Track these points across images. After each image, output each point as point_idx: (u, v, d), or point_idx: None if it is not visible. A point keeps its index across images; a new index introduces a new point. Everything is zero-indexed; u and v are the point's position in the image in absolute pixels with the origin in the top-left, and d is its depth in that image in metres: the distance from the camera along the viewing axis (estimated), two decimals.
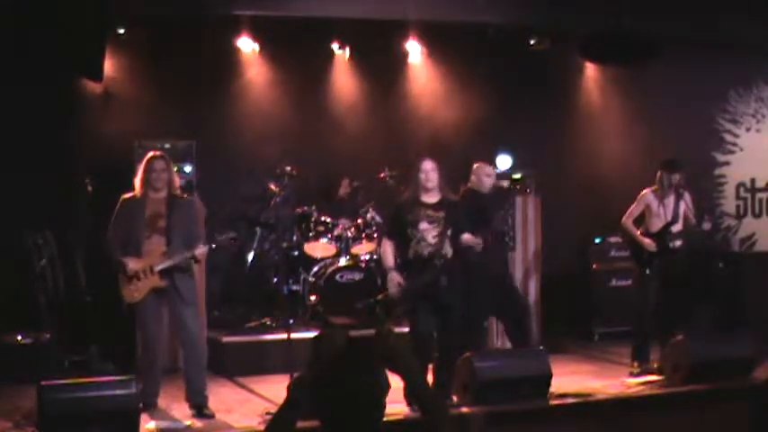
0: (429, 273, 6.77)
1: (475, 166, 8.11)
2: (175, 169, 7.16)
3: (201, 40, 9.24)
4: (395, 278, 6.82)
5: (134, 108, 9.30)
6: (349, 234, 9.16)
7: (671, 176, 8.11)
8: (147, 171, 6.84)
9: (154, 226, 6.77)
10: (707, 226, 8.26)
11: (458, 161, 9.51)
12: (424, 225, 6.84)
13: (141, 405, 6.61)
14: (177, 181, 7.00)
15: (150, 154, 7.01)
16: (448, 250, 6.90)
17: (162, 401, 7.02)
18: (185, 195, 7.13)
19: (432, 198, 6.93)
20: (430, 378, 6.81)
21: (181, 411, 6.85)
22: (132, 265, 6.67)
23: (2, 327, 8.06)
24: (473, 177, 8.05)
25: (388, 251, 7.00)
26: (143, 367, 6.94)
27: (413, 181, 7.00)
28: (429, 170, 6.90)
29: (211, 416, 6.71)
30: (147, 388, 6.76)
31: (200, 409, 6.74)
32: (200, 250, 6.80)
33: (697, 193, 8.66)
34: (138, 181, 6.88)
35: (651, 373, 7.81)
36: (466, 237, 6.96)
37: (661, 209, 8.16)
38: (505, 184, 8.32)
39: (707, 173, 11.22)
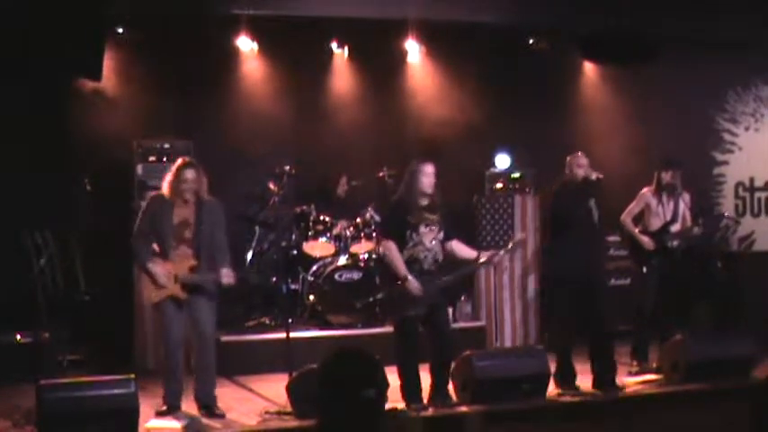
0: (434, 279, 6.74)
1: (568, 158, 7.67)
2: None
3: (200, 39, 9.24)
4: (416, 285, 6.64)
5: (133, 107, 9.29)
6: (348, 233, 9.16)
7: (663, 174, 8.13)
8: (177, 179, 6.66)
9: (181, 236, 6.65)
10: (697, 231, 8.26)
11: (456, 160, 9.56)
12: (422, 228, 6.80)
13: (165, 408, 6.63)
14: (206, 188, 6.78)
15: (181, 161, 6.83)
16: (441, 256, 6.89)
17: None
18: (211, 198, 6.85)
19: (425, 200, 6.87)
20: (427, 378, 6.81)
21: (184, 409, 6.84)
22: (161, 272, 6.58)
23: (1, 326, 8.07)
24: (567, 170, 7.63)
25: (398, 256, 6.71)
26: (165, 369, 6.78)
27: (410, 182, 6.88)
28: (431, 174, 6.83)
29: (222, 415, 6.65)
30: (170, 390, 6.70)
31: (209, 409, 6.70)
32: (226, 279, 6.62)
33: (696, 193, 8.66)
34: (166, 185, 6.71)
35: (650, 372, 7.81)
36: (483, 255, 6.92)
37: (660, 208, 8.19)
38: (594, 176, 7.49)
39: (706, 172, 11.23)
